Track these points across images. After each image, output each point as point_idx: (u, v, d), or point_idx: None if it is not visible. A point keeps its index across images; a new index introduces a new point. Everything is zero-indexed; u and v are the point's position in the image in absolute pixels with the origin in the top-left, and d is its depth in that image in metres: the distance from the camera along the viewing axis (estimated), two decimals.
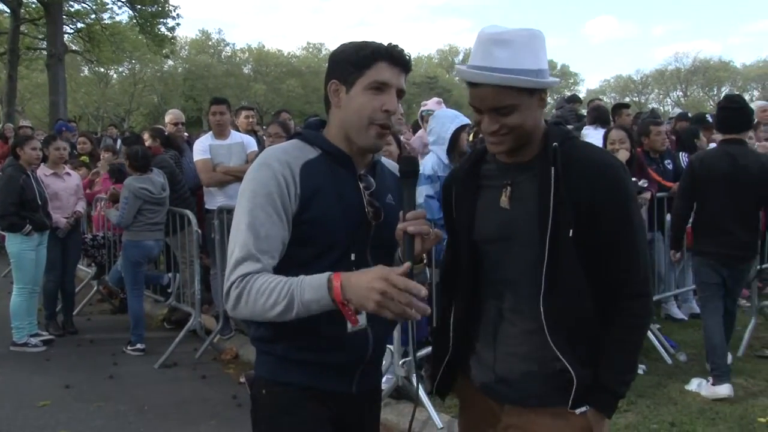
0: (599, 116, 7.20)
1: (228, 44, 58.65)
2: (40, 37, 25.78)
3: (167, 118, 7.68)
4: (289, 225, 1.78)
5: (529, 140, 1.82)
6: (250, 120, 7.44)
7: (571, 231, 1.73)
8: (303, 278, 1.66)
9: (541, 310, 1.77)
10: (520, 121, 1.76)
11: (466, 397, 2.05)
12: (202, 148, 6.18)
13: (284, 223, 1.77)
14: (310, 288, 1.64)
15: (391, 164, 2.08)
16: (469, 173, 1.95)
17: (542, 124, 1.86)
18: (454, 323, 1.96)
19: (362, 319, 1.84)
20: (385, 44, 1.85)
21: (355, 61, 1.83)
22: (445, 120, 4.61)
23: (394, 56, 1.83)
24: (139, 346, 5.95)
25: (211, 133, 6.35)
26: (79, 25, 26.99)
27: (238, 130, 6.86)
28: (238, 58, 58.13)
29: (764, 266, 6.27)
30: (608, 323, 1.82)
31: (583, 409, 1.79)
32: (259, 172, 1.81)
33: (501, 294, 1.87)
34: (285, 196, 1.77)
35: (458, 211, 1.94)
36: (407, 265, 1.61)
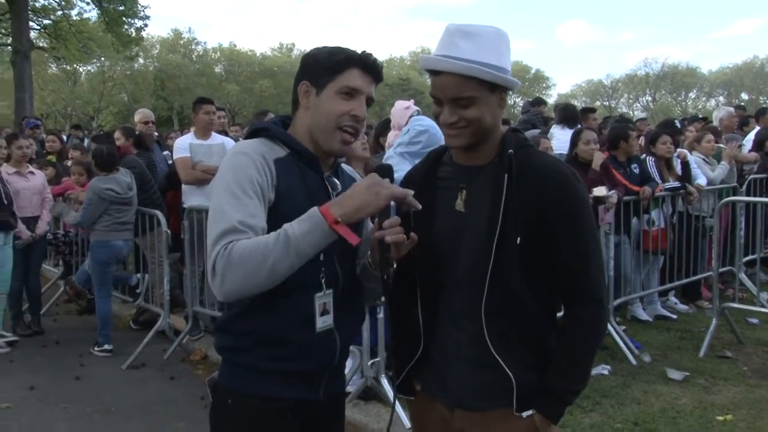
0: (567, 116, 7.28)
1: (199, 43, 58.13)
2: (3, 32, 25.22)
3: (137, 117, 7.64)
4: (266, 213, 1.75)
5: (486, 139, 1.83)
6: (222, 120, 7.44)
7: (519, 239, 1.74)
8: (289, 223, 1.66)
9: (482, 314, 1.79)
10: (478, 115, 1.76)
11: (418, 401, 2.03)
12: (182, 146, 6.23)
13: (264, 209, 1.74)
14: (300, 222, 1.64)
15: (350, 170, 2.09)
16: (427, 175, 1.96)
17: (501, 127, 1.87)
18: (423, 323, 1.94)
19: (328, 320, 1.85)
20: (359, 51, 1.85)
21: (328, 65, 1.84)
22: (436, 137, 4.48)
23: (367, 64, 1.85)
24: (106, 347, 5.89)
25: (193, 132, 6.41)
26: (45, 21, 26.49)
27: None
28: (210, 58, 57.67)
29: (725, 269, 6.45)
30: (561, 330, 1.83)
31: (530, 412, 1.80)
32: (236, 158, 1.77)
33: (451, 297, 1.87)
34: (264, 183, 1.74)
35: (415, 212, 1.91)
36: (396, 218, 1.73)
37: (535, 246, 1.76)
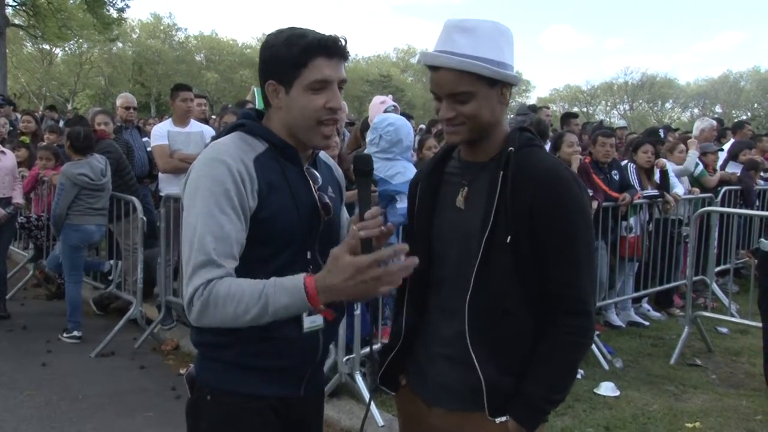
0: (540, 131, 7.29)
1: (180, 29, 57.27)
2: None
3: (118, 102, 7.48)
4: (246, 224, 1.69)
5: (487, 136, 1.80)
6: (203, 108, 7.34)
7: (509, 238, 1.72)
8: (275, 281, 1.60)
9: (466, 312, 1.77)
10: (476, 111, 1.73)
11: (402, 396, 2.03)
12: (160, 133, 6.11)
13: (242, 223, 1.68)
14: (284, 291, 1.58)
15: (326, 157, 2.03)
16: (435, 169, 1.93)
17: (505, 125, 1.84)
18: (406, 318, 1.93)
19: (319, 320, 1.81)
20: (318, 35, 1.72)
21: (290, 59, 1.71)
22: (404, 126, 4.45)
23: (329, 48, 1.71)
24: (75, 333, 5.77)
25: (171, 119, 6.30)
26: None
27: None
28: (190, 45, 56.96)
29: (698, 278, 6.52)
30: (545, 338, 1.77)
31: (503, 418, 1.77)
32: (212, 167, 1.68)
33: (441, 293, 1.86)
34: (242, 193, 1.67)
35: (419, 206, 1.91)
36: (355, 231, 1.60)
37: (526, 248, 1.73)
